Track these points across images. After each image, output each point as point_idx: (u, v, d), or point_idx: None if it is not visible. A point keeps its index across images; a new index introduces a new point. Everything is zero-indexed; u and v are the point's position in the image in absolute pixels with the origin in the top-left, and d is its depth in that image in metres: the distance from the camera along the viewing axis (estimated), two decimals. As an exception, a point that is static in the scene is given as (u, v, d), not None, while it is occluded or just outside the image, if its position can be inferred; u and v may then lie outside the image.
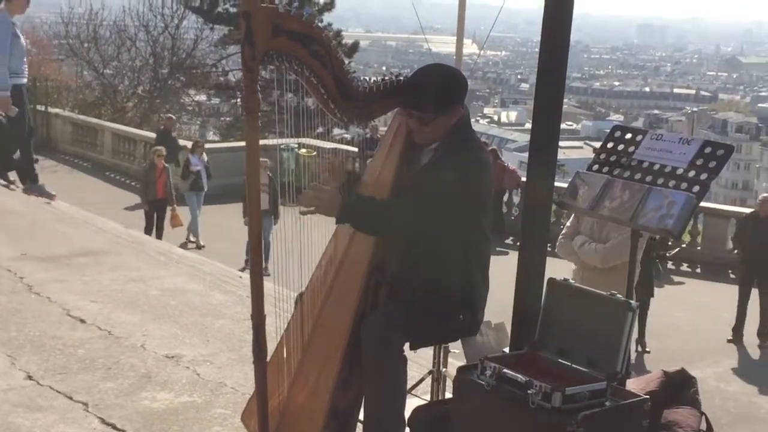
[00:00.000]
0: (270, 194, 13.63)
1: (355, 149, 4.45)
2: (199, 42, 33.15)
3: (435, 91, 3.86)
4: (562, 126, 5.43)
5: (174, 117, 21.62)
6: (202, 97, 35.80)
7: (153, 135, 23.92)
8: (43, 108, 26.60)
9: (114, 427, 4.53)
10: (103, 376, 5.17)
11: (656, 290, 11.99)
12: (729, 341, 12.13)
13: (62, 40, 34.45)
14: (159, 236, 14.98)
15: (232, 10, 30.75)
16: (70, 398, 4.83)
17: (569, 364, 3.63)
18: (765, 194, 13.94)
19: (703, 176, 3.62)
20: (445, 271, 3.88)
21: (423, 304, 3.86)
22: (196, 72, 32.78)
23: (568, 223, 6.69)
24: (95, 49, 33.08)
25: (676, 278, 15.29)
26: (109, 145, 23.86)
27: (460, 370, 3.75)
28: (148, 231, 15.08)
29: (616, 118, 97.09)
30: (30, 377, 5.09)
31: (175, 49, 33.02)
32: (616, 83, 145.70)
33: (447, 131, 3.90)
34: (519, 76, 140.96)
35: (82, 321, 6.12)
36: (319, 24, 3.67)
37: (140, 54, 33.39)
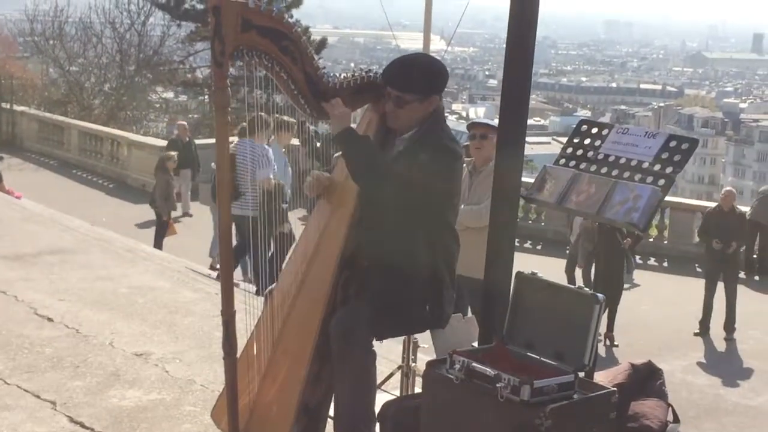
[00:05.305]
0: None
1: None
2: (165, 39, 32.92)
3: (416, 72, 3.93)
4: (530, 122, 5.47)
5: (186, 124, 20.08)
6: (170, 94, 35.57)
7: (120, 132, 23.76)
8: (8, 106, 26.34)
9: (82, 425, 4.51)
10: (71, 374, 5.15)
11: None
12: (696, 334, 12.23)
13: (27, 38, 34.10)
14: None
15: (199, 6, 30.55)
16: (38, 397, 4.80)
17: (537, 357, 3.65)
18: (728, 188, 14.10)
19: (669, 170, 3.65)
20: (411, 265, 3.89)
21: (387, 295, 3.87)
22: (164, 69, 32.57)
23: None
24: (61, 46, 32.75)
25: (643, 272, 15.39)
26: (75, 143, 23.65)
27: (429, 364, 3.76)
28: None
29: (584, 113, 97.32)
30: (-3, 376, 5.06)
31: (142, 45, 32.76)
32: (584, 79, 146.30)
33: (421, 121, 3.93)
34: (487, 72, 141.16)
35: (50, 319, 6.08)
36: (289, 20, 3.67)
37: (106, 51, 33.08)
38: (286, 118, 10.40)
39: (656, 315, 12.98)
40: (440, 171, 3.85)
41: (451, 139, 4.02)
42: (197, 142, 19.29)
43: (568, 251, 13.85)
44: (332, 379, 3.91)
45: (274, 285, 4.17)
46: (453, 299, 4.10)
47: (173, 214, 15.36)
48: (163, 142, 21.23)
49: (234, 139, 9.68)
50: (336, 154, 4.39)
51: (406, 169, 3.78)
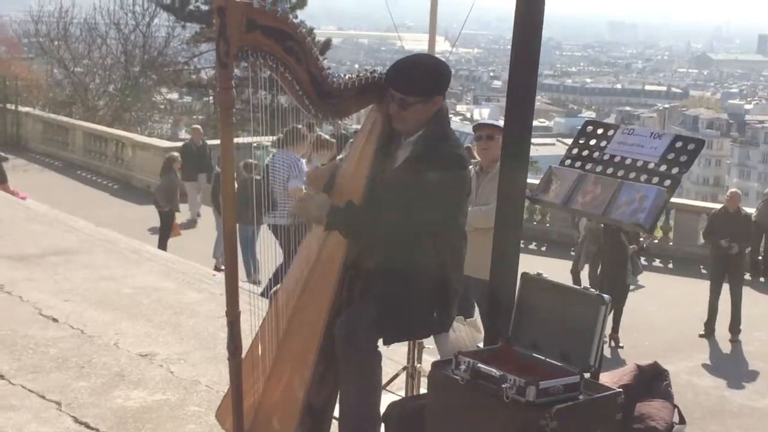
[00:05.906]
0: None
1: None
2: (170, 40, 32.98)
3: (419, 74, 3.91)
4: (535, 123, 5.46)
5: (200, 128, 19.31)
6: (174, 96, 35.64)
7: (125, 133, 23.78)
8: (13, 107, 26.38)
9: (87, 425, 4.51)
10: (76, 375, 5.15)
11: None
12: (701, 336, 12.21)
13: (32, 39, 34.20)
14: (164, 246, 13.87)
15: (204, 7, 30.64)
16: (43, 397, 4.80)
17: (543, 358, 3.65)
18: (733, 189, 14.09)
19: (675, 170, 3.64)
20: (419, 269, 3.88)
21: (395, 300, 3.86)
22: (168, 70, 32.64)
23: None
24: (65, 47, 32.84)
25: (648, 274, 15.38)
26: (80, 144, 23.68)
27: (434, 365, 3.76)
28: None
29: (588, 114, 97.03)
30: (1, 376, 5.06)
31: (147, 47, 32.84)
32: (588, 80, 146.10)
33: (425, 122, 3.92)
34: (491, 74, 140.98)
35: (55, 320, 6.08)
36: (294, 20, 3.66)
37: (111, 52, 33.17)
38: (324, 135, 10.41)
39: (661, 316, 12.97)
40: (448, 186, 3.84)
41: (456, 144, 4.01)
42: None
43: (573, 252, 13.85)
44: (337, 379, 3.90)
45: (279, 286, 4.16)
46: (459, 303, 4.09)
47: (178, 217, 15.38)
48: (168, 143, 21.25)
49: (261, 138, 9.62)
50: (339, 157, 4.39)
51: (413, 183, 3.77)
